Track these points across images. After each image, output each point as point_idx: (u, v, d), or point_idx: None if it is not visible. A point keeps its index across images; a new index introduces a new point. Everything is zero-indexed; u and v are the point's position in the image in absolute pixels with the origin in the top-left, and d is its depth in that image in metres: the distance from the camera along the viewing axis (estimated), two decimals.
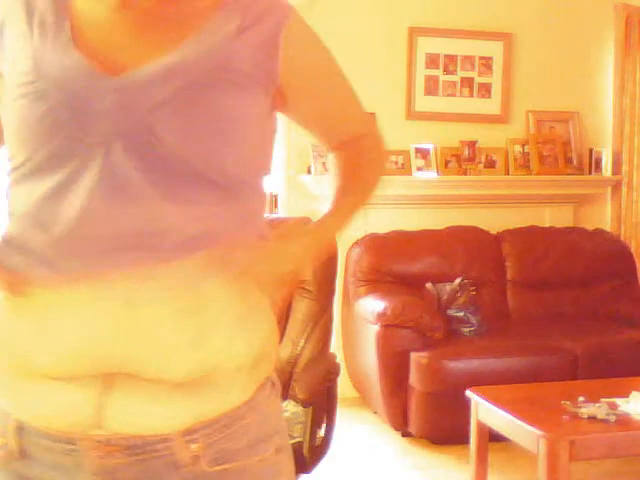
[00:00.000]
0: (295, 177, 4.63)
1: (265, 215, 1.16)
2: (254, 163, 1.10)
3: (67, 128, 1.00)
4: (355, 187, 1.24)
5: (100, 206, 0.99)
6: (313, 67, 1.16)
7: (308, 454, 2.46)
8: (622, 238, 5.08)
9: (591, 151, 5.13)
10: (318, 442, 2.56)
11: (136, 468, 1.01)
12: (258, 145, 1.10)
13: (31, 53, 1.04)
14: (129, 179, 0.99)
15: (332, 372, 2.73)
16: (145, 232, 0.99)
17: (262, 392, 1.09)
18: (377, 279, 4.41)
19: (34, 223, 1.01)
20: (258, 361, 1.06)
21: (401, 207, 4.76)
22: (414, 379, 3.92)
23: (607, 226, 5.14)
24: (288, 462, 1.13)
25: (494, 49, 4.94)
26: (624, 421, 2.89)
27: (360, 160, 1.26)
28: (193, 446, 1.01)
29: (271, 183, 4.57)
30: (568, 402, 2.98)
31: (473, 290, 4.38)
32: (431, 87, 4.86)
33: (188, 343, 1.00)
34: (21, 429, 1.04)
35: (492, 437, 3.18)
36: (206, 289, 1.02)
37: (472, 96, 4.93)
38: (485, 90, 4.95)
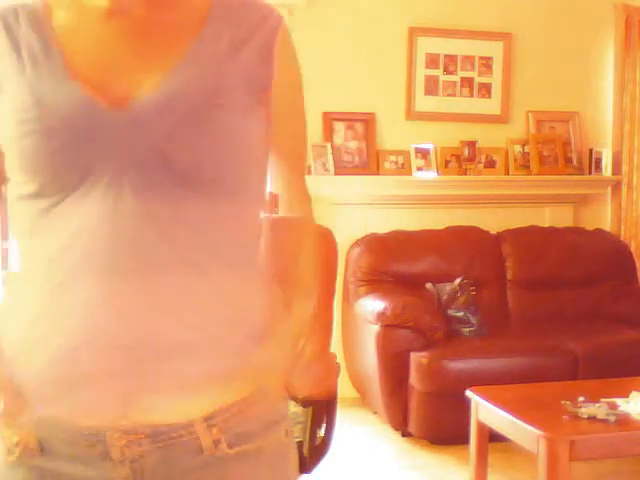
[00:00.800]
0: None
1: (265, 214, 1.18)
2: (259, 171, 1.12)
3: (77, 164, 1.01)
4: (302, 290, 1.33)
5: (115, 239, 1.00)
6: (290, 81, 1.16)
7: (308, 454, 2.45)
8: (622, 238, 5.08)
9: (591, 151, 5.13)
10: (318, 442, 2.56)
11: (160, 454, 1.04)
12: (260, 153, 1.12)
13: (28, 88, 1.03)
14: (139, 210, 1.01)
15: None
16: (153, 256, 1.02)
17: None
18: (377, 279, 4.41)
19: (47, 276, 1.02)
20: None
21: (401, 207, 4.76)
22: (414, 379, 3.92)
23: (607, 226, 5.14)
24: (294, 447, 1.19)
25: (494, 49, 4.94)
26: (624, 421, 2.89)
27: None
28: (214, 430, 1.05)
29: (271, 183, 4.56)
30: (568, 402, 2.98)
31: (473, 290, 4.38)
32: (431, 87, 4.85)
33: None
34: (40, 425, 1.05)
35: (492, 437, 3.18)
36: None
37: (472, 96, 4.93)
38: (485, 90, 4.95)
